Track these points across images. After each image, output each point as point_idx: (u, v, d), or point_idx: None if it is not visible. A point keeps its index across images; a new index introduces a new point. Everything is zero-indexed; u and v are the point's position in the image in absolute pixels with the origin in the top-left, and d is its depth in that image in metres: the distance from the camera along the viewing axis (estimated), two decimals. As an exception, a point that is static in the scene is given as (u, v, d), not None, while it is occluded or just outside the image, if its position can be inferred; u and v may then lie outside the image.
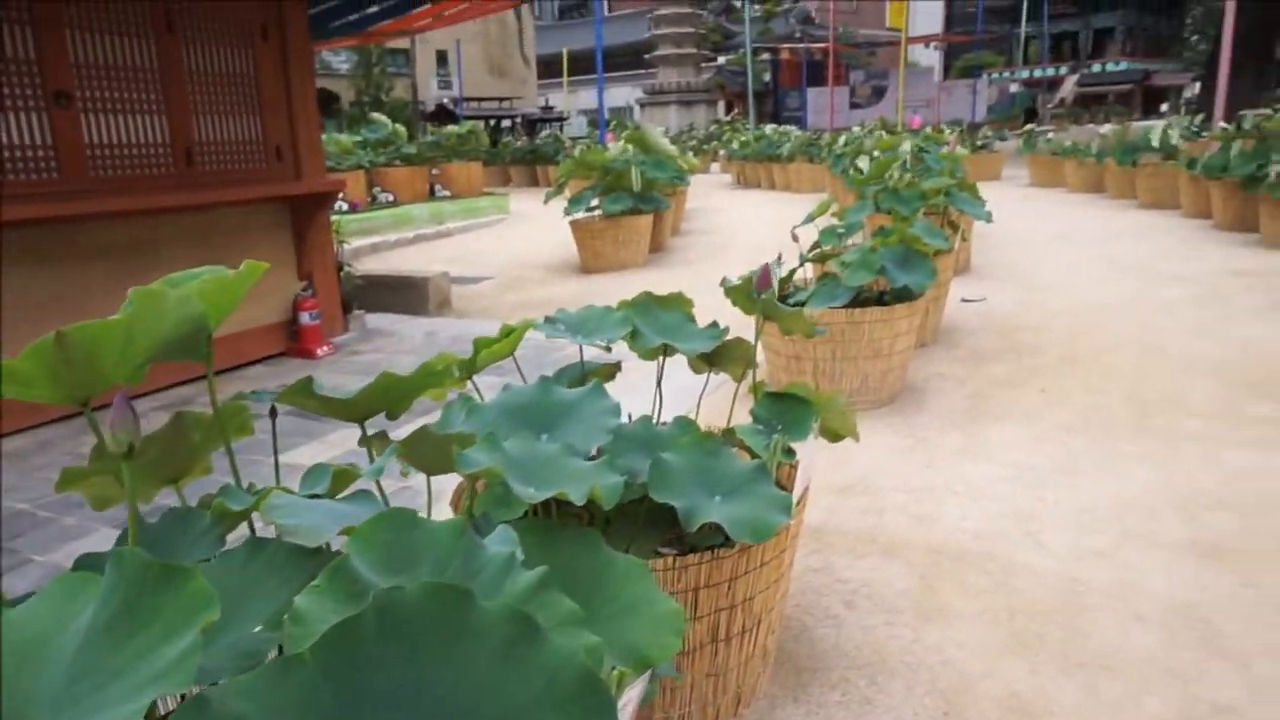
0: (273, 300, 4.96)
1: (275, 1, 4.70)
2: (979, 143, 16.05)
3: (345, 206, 8.63)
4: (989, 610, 2.28)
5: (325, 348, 5.03)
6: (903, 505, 2.95)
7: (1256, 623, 2.19)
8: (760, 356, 4.14)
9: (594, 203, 7.45)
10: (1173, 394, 3.95)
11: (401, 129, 11.32)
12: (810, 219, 4.67)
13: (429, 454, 1.44)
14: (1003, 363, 4.50)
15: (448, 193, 11.29)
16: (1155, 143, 10.47)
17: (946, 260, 4.73)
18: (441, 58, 32.45)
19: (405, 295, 6.20)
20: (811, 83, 39.89)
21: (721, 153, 18.12)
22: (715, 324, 2.18)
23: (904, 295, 3.75)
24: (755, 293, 1.87)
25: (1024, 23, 46.34)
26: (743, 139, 16.44)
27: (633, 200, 7.32)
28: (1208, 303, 5.58)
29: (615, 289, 6.94)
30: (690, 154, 21.88)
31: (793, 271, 4.10)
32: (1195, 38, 56.83)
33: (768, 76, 44.84)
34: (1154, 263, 6.90)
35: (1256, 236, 7.50)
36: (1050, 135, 19.24)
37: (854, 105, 41.70)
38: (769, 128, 18.28)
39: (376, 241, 8.91)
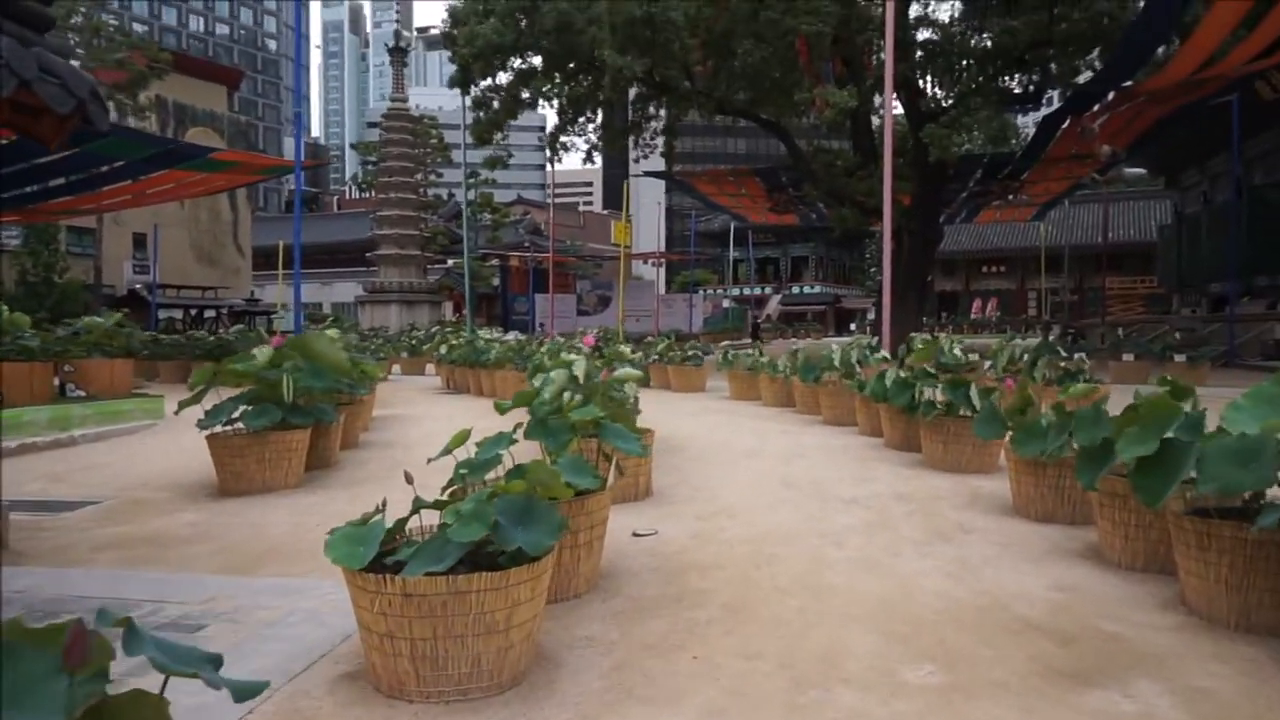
0: None
1: None
2: (687, 354, 16.68)
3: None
4: None
5: None
6: None
7: None
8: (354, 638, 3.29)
9: (236, 414, 6.41)
10: (832, 653, 3.54)
11: (24, 318, 9.62)
12: (447, 451, 4.02)
13: None
14: (661, 617, 3.95)
15: (82, 393, 9.63)
16: (837, 362, 11.15)
17: (601, 498, 4.22)
18: (140, 241, 30.00)
19: (-60, 534, 4.74)
20: (539, 289, 41.25)
21: (435, 355, 17.54)
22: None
23: (523, 556, 3.10)
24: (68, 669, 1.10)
25: (732, 248, 51.57)
26: (452, 343, 15.98)
27: (283, 413, 6.37)
28: (875, 531, 5.49)
29: (250, 518, 5.84)
30: (404, 354, 21.20)
31: (403, 521, 3.36)
32: (873, 269, 66.19)
33: (497, 281, 45.94)
34: (830, 484, 6.91)
35: (919, 457, 7.86)
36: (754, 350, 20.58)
37: (581, 312, 43.61)
38: (484, 331, 18.03)
39: (-41, 454, 7.19)
